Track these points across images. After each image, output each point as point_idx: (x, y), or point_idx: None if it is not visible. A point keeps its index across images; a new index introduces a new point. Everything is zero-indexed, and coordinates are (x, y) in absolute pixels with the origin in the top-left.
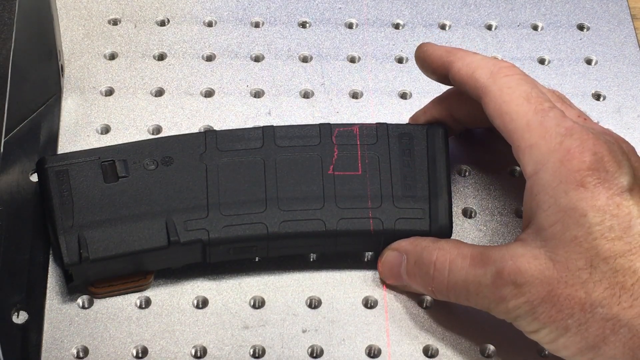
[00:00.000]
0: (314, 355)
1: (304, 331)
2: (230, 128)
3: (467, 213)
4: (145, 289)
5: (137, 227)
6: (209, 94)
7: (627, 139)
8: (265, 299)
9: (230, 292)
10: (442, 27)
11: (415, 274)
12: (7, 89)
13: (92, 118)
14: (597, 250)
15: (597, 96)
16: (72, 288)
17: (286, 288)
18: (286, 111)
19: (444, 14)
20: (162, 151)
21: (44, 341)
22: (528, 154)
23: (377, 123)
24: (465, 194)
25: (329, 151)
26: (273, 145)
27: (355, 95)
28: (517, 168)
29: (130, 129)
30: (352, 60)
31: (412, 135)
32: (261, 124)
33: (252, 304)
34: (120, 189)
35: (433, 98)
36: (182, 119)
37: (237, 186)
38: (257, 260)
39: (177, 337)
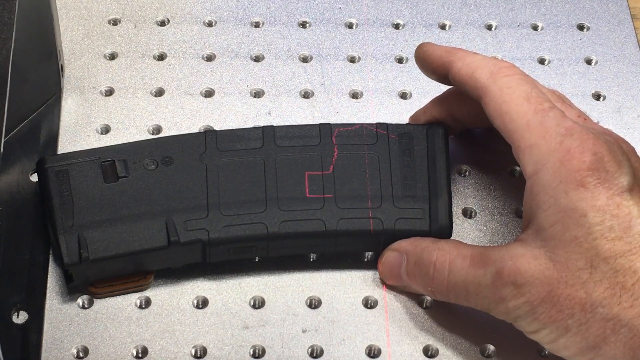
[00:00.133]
0: (314, 355)
1: (304, 331)
2: (230, 128)
3: (467, 213)
4: (145, 289)
5: (137, 227)
6: (209, 94)
7: (627, 139)
8: (265, 299)
9: (230, 292)
10: (442, 27)
11: (415, 275)
12: (7, 89)
13: (92, 118)
14: (598, 250)
15: (597, 96)
16: (72, 288)
17: (286, 288)
18: (286, 111)
19: (444, 14)
20: (162, 151)
21: (44, 341)
22: (528, 154)
23: (377, 123)
24: (465, 194)
25: (329, 151)
26: (273, 145)
27: (355, 95)
28: (517, 168)
29: (130, 129)
30: (352, 60)
31: (412, 135)
32: (261, 124)
33: (252, 304)
34: (120, 189)
35: (433, 98)
36: (182, 119)
37: (237, 186)
38: (257, 260)
39: (177, 337)
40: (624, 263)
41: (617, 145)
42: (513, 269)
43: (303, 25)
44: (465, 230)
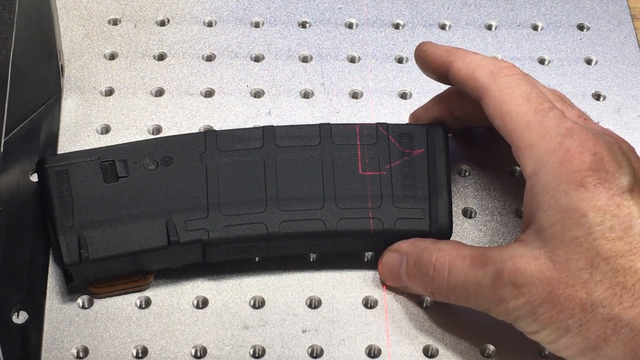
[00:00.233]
0: (314, 355)
1: (304, 331)
2: (230, 128)
3: (467, 213)
4: (145, 289)
5: (137, 227)
6: (209, 94)
7: (627, 139)
8: (265, 299)
9: (230, 292)
10: (442, 27)
11: (415, 275)
12: (7, 89)
13: (92, 118)
14: (598, 250)
15: (597, 96)
16: (72, 288)
17: (286, 288)
18: (286, 111)
19: (444, 14)
20: (162, 151)
21: (44, 341)
22: (528, 154)
23: (377, 123)
24: (465, 194)
25: (329, 151)
26: (273, 145)
27: (355, 95)
28: (517, 168)
29: (130, 129)
30: (352, 60)
31: (412, 135)
32: (261, 124)
33: (252, 304)
34: (120, 189)
35: (433, 96)
36: (182, 119)
37: (237, 186)
38: (257, 260)
39: (177, 337)
40: (625, 263)
41: (617, 146)
42: (513, 270)
43: (303, 25)
44: (465, 231)
